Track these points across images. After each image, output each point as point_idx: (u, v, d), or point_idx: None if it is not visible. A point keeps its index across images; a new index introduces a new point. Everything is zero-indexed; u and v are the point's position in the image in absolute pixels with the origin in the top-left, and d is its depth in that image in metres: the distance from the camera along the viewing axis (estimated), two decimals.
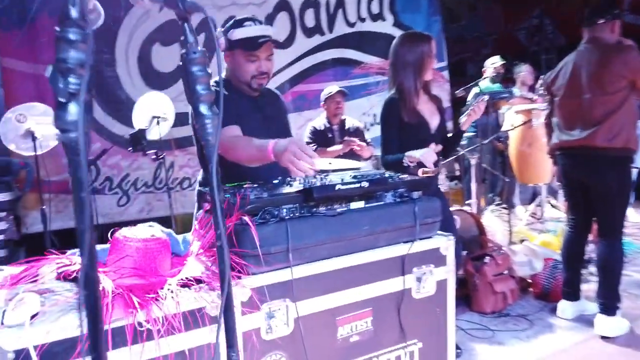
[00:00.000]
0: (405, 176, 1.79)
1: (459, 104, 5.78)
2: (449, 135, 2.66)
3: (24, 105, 3.18)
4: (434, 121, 2.53)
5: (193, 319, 1.27)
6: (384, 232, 1.63)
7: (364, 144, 3.79)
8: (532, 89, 5.29)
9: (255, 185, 1.60)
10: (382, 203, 1.68)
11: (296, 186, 1.53)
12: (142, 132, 3.20)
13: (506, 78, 5.79)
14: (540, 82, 4.77)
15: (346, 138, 3.81)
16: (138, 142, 3.15)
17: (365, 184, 1.58)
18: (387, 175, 1.75)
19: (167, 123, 3.59)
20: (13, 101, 3.70)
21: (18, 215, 4.12)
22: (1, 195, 3.45)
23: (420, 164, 2.29)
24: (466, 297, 3.31)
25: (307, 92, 5.70)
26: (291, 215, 1.48)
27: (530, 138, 4.52)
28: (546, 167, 4.60)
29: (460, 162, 5.37)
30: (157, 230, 1.44)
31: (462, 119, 2.53)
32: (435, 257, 1.78)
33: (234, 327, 1.04)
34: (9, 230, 3.49)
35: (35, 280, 1.31)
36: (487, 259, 3.18)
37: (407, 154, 2.33)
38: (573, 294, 3.10)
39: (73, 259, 1.39)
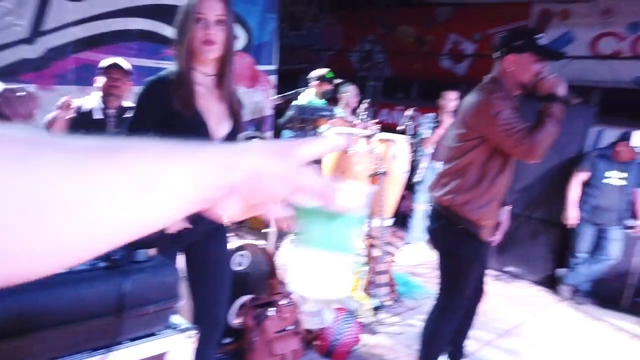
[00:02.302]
0: None
1: (281, 115, 5.23)
2: None
3: None
4: (221, 129, 1.79)
5: None
6: (34, 342, 0.83)
7: None
8: (354, 112, 5.02)
9: None
10: (58, 275, 0.89)
11: None
12: None
13: (333, 98, 5.45)
14: (363, 106, 4.48)
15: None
16: None
17: None
18: None
19: None
20: None
21: None
22: None
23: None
24: (240, 355, 2.66)
25: (97, 63, 4.55)
26: None
27: (344, 165, 4.15)
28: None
29: None
30: None
31: None
32: None
33: None
34: None
35: None
36: (271, 311, 2.58)
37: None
38: None
39: None
